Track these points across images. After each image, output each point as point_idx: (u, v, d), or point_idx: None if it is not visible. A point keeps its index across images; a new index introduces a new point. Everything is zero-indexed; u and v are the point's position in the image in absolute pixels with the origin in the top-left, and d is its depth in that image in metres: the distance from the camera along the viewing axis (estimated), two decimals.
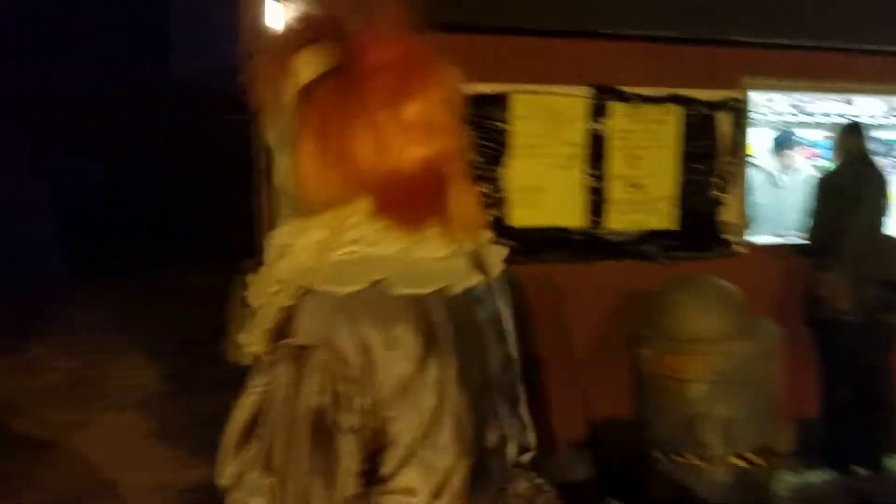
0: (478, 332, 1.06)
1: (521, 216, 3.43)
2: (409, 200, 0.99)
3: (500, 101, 3.35)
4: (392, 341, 0.94)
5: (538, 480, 1.14)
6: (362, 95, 0.97)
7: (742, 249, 3.78)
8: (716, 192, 3.69)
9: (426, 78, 1.02)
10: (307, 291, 0.95)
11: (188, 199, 11.38)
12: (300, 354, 0.92)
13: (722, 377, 3.02)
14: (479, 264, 1.07)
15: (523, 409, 1.14)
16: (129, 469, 3.74)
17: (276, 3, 4.75)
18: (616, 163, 3.52)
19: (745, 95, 3.73)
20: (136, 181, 11.19)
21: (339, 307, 0.94)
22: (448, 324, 0.98)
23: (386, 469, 0.95)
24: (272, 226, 5.37)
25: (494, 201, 3.38)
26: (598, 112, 3.48)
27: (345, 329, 0.93)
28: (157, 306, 7.50)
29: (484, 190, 3.34)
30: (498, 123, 3.35)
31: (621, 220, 3.54)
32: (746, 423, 3.07)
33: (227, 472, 0.93)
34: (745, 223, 3.80)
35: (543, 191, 3.43)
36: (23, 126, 8.11)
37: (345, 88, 0.98)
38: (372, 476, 0.95)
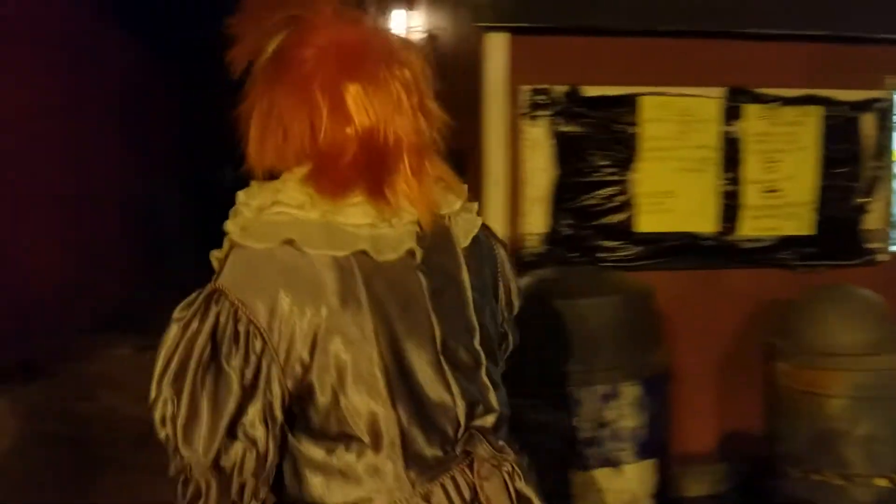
0: (408, 296, 1.12)
1: (650, 221, 3.36)
2: (334, 172, 1.09)
3: (628, 103, 3.30)
4: (298, 295, 1.05)
5: (500, 443, 1.19)
6: (303, 74, 1.08)
7: (886, 258, 3.57)
8: (858, 198, 3.50)
9: (368, 61, 1.10)
10: (234, 245, 1.09)
11: None
12: (215, 296, 1.07)
13: (865, 392, 2.88)
14: (442, 235, 1.18)
15: (485, 372, 1.20)
16: None
17: None
18: (751, 166, 3.40)
19: (891, 96, 3.53)
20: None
21: (254, 260, 1.07)
22: (360, 284, 1.07)
23: (313, 418, 1.10)
24: None
25: (620, 205, 3.33)
26: (732, 114, 3.37)
27: (255, 281, 1.06)
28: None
29: (610, 193, 3.30)
30: (626, 126, 3.30)
31: (756, 225, 3.41)
32: (892, 442, 2.91)
33: (151, 394, 1.07)
34: (889, 230, 3.60)
35: (673, 195, 3.35)
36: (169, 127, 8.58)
37: (288, 67, 1.09)
38: (305, 423, 1.11)
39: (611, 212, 3.32)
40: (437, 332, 1.14)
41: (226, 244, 1.11)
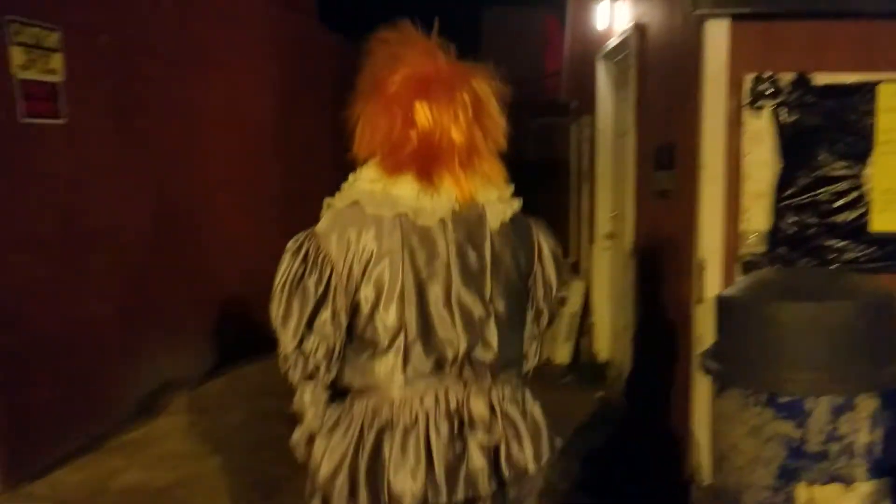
0: (434, 251, 1.56)
1: (885, 220, 3.06)
2: (396, 158, 1.57)
3: (864, 91, 3.02)
4: (360, 239, 1.54)
5: (496, 374, 1.61)
6: (388, 95, 1.56)
7: None
8: None
9: (435, 86, 1.57)
10: (329, 206, 1.63)
11: None
12: (309, 236, 1.60)
13: None
14: (475, 216, 1.61)
15: (494, 323, 1.60)
16: None
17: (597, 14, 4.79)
18: None
19: None
20: None
21: (336, 215, 1.60)
22: (399, 236, 1.53)
23: (358, 327, 1.57)
24: (591, 225, 5.39)
25: (852, 202, 3.06)
26: None
27: (334, 227, 1.57)
28: None
29: (840, 189, 3.04)
30: (861, 117, 3.02)
31: None
32: None
33: (271, 299, 1.60)
34: None
35: None
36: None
37: (380, 89, 1.58)
38: (350, 333, 1.59)
39: (841, 209, 3.06)
40: (453, 284, 1.56)
41: (325, 206, 1.64)
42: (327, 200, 1.65)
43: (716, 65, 3.00)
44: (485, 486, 1.58)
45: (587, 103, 5.51)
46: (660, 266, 3.79)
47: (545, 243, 1.77)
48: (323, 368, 1.60)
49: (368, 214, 1.55)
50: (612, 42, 4.69)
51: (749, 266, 2.94)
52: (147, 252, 4.50)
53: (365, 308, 1.55)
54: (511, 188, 1.71)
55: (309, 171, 7.25)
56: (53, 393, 3.76)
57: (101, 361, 4.12)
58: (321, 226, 1.60)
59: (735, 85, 3.00)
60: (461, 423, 1.58)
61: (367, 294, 1.54)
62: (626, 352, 4.37)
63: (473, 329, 1.58)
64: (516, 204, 1.70)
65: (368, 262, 1.54)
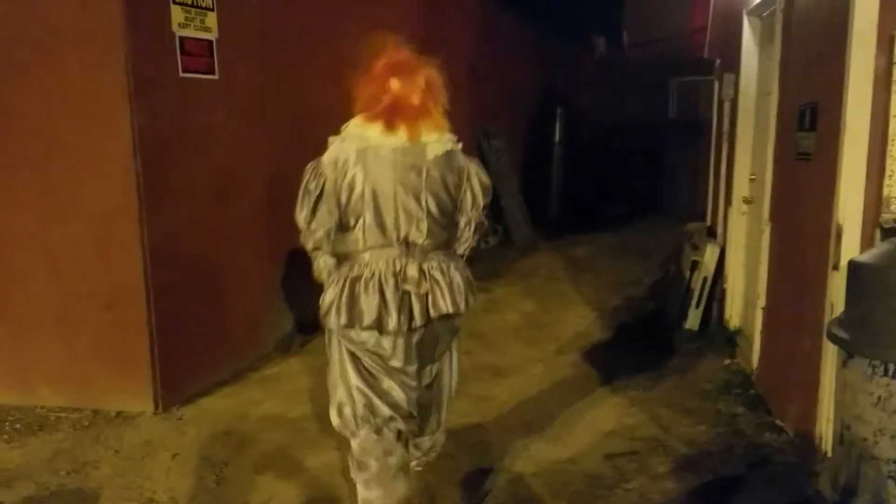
0: (387, 170, 2.51)
1: None
2: (373, 113, 2.52)
3: None
4: (348, 161, 2.50)
5: (425, 251, 2.57)
6: (373, 74, 2.55)
7: None
8: None
9: (404, 70, 2.56)
10: (330, 144, 2.56)
11: (641, 160, 11.64)
12: (316, 162, 2.56)
13: None
14: (418, 149, 2.54)
15: (427, 220, 2.55)
16: (571, 406, 4.05)
17: None
18: None
19: None
20: (588, 143, 11.74)
21: (336, 147, 2.53)
22: (369, 161, 2.50)
23: (347, 222, 2.54)
24: (729, 188, 5.21)
25: None
26: None
27: (331, 155, 2.53)
28: (605, 260, 7.89)
29: None
30: None
31: None
32: None
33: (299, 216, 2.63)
34: None
35: None
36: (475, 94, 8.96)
37: (369, 70, 2.55)
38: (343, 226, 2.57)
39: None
40: (398, 191, 2.52)
41: (329, 144, 2.57)
42: (330, 138, 2.60)
43: (864, 20, 2.82)
44: (417, 318, 2.55)
45: (731, 61, 5.28)
46: (796, 231, 3.64)
47: (472, 171, 2.72)
48: (324, 242, 2.62)
49: (350, 147, 2.53)
50: None
51: (889, 233, 2.78)
52: (288, 202, 4.76)
53: (346, 203, 2.54)
54: (449, 134, 2.64)
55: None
56: (203, 328, 4.10)
57: (245, 302, 4.44)
58: (325, 155, 2.58)
59: (884, 42, 2.82)
60: (404, 279, 2.55)
61: (345, 196, 2.54)
62: (758, 319, 4.24)
63: (410, 221, 2.56)
64: (451, 144, 2.63)
65: (345, 176, 2.52)
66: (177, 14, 3.72)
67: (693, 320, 5.37)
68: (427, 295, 2.56)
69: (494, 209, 8.78)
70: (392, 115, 2.52)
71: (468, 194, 2.70)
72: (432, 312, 2.56)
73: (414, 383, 2.68)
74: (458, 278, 2.63)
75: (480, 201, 2.72)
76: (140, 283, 3.68)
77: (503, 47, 9.12)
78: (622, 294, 6.49)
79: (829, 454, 3.08)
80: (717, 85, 5.91)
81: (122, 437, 3.57)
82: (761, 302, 4.19)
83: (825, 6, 3.25)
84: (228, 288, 4.30)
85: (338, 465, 3.37)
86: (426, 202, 2.55)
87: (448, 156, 2.60)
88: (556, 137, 10.57)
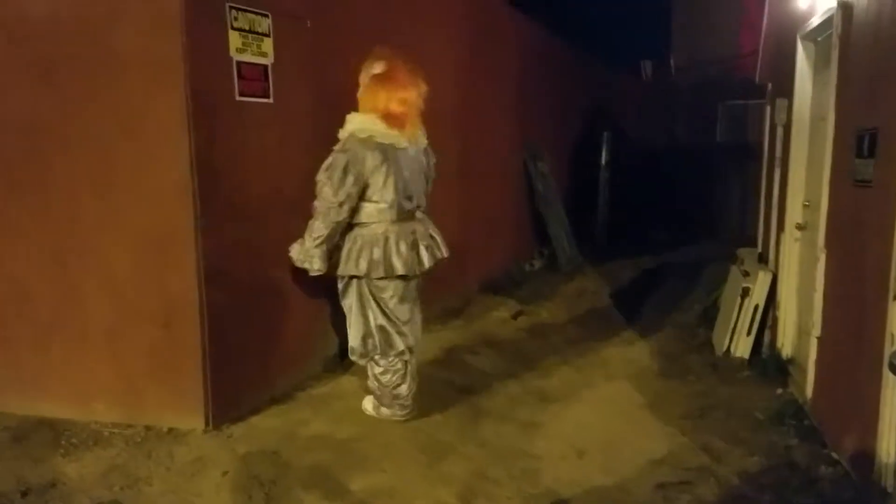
0: (401, 164, 3.85)
1: None
2: (392, 117, 3.81)
3: None
4: (369, 154, 3.75)
5: (422, 215, 4.06)
6: (383, 83, 3.83)
7: None
8: None
9: (415, 80, 3.90)
10: (350, 136, 3.80)
11: (689, 184, 11.52)
12: (353, 152, 3.77)
13: None
14: (416, 144, 3.98)
15: (419, 200, 3.99)
16: (620, 433, 4.01)
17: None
18: None
19: None
20: (635, 167, 11.66)
21: (356, 140, 3.78)
22: (391, 154, 3.81)
23: (367, 196, 3.82)
24: (781, 213, 5.13)
25: None
26: None
27: (358, 146, 3.76)
28: (653, 286, 7.80)
29: None
30: None
31: None
32: None
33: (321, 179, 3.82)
34: None
35: None
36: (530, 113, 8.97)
37: (378, 79, 3.85)
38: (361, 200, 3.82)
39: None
40: (408, 177, 3.89)
41: (342, 135, 3.85)
42: (341, 133, 3.84)
43: None
44: (423, 265, 3.96)
45: (784, 85, 5.22)
46: (854, 259, 3.56)
47: (432, 155, 4.15)
48: (346, 212, 3.77)
49: (372, 142, 3.74)
50: (815, 21, 4.42)
51: None
52: None
53: (371, 186, 3.77)
54: (423, 129, 4.03)
55: (486, 149, 7.41)
56: (254, 347, 4.15)
57: (295, 322, 4.49)
58: (347, 144, 3.77)
59: None
60: (415, 239, 3.93)
61: (374, 180, 3.76)
62: (812, 348, 4.15)
63: (419, 196, 3.98)
64: (426, 139, 4.07)
65: (375, 165, 3.73)
66: (235, 40, 3.81)
67: (743, 348, 5.28)
68: (429, 247, 3.99)
69: (540, 232, 8.78)
70: (406, 118, 3.85)
71: (432, 174, 4.17)
72: (432, 260, 4.00)
73: (417, 318, 4.14)
74: (436, 232, 4.10)
75: (433, 173, 4.19)
76: (194, 302, 3.75)
77: (551, 71, 9.15)
78: (670, 319, 6.41)
79: (889, 488, 2.99)
80: (769, 109, 5.84)
81: (174, 453, 3.62)
82: (816, 331, 4.10)
83: (887, 31, 3.20)
84: (280, 308, 4.36)
85: (384, 487, 3.38)
86: (425, 181, 4.07)
87: (427, 146, 4.09)
88: (603, 161, 10.53)
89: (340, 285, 4.03)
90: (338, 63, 4.79)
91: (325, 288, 4.49)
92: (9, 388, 4.10)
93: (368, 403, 4.17)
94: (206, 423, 3.84)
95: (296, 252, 3.93)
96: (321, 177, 3.78)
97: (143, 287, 3.86)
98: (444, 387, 4.57)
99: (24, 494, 3.27)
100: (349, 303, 4.02)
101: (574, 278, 8.17)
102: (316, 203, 3.84)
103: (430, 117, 6.16)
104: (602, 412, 4.34)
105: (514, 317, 6.39)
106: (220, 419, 3.88)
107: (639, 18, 14.22)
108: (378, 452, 3.71)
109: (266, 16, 4.01)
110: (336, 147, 3.83)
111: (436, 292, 6.20)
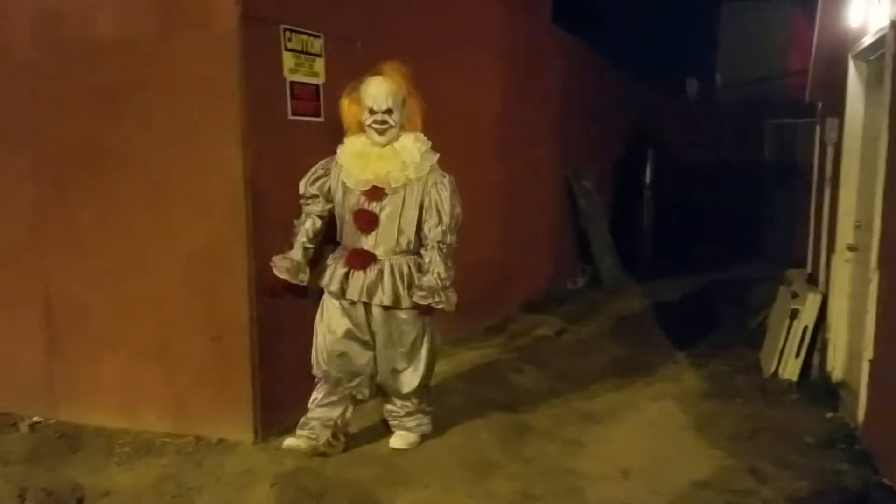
0: None
1: None
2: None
3: None
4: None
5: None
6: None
7: None
8: None
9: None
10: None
11: (735, 203, 11.40)
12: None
13: None
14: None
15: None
16: (665, 454, 3.97)
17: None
18: None
19: None
20: (680, 185, 11.57)
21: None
22: None
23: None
24: (832, 234, 5.06)
25: None
26: None
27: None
28: (698, 305, 7.72)
29: None
30: None
31: None
32: None
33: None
34: None
35: None
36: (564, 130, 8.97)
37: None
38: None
39: None
40: None
41: (432, 159, 3.77)
42: (429, 156, 3.76)
43: None
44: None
45: (835, 104, 5.16)
46: None
47: None
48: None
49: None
50: (867, 40, 4.36)
51: None
52: None
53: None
54: None
55: (531, 167, 7.43)
56: (303, 361, 4.20)
57: None
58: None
59: None
60: None
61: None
62: (864, 371, 4.07)
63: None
64: None
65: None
66: (288, 60, 3.91)
67: (792, 370, 5.19)
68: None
69: (583, 250, 8.75)
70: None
71: None
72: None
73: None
74: None
75: None
76: (245, 317, 3.83)
77: (594, 89, 9.15)
78: (716, 340, 6.33)
79: None
80: (819, 129, 5.77)
81: (224, 464, 3.69)
82: (868, 353, 4.02)
83: None
84: None
85: (429, 503, 3.40)
86: None
87: None
88: (647, 179, 10.48)
89: (410, 316, 3.75)
90: None
91: None
92: (66, 398, 4.23)
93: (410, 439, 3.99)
94: (255, 436, 3.91)
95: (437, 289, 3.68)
96: (457, 210, 3.78)
97: (195, 301, 3.96)
98: (487, 404, 4.58)
99: (80, 501, 3.37)
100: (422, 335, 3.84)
101: (618, 297, 8.13)
102: (450, 239, 3.75)
103: (473, 134, 6.27)
104: (647, 433, 4.30)
105: (558, 335, 6.38)
106: (269, 432, 3.95)
107: (684, 36, 14.15)
108: (422, 469, 3.73)
109: (318, 37, 4.10)
110: (444, 175, 3.80)
111: (478, 310, 6.24)
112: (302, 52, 3.99)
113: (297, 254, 3.79)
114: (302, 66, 3.99)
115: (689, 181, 11.96)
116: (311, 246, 3.83)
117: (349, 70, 4.41)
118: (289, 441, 3.76)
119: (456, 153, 5.90)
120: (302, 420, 3.83)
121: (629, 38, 11.92)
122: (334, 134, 4.34)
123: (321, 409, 3.82)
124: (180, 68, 3.82)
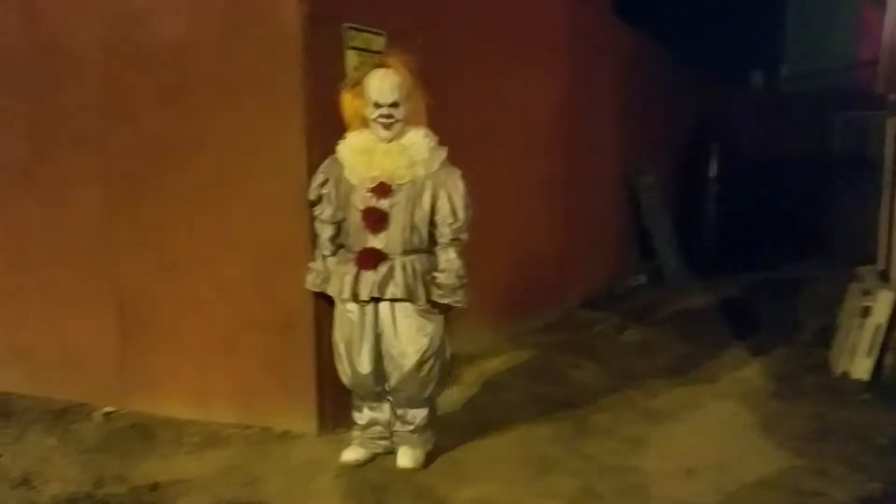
0: None
1: None
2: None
3: None
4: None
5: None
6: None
7: None
8: None
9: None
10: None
11: (803, 198, 11.10)
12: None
13: None
14: None
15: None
16: (731, 454, 3.89)
17: None
18: None
19: None
20: (745, 180, 11.31)
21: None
22: None
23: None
24: None
25: None
26: None
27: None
28: (765, 303, 7.55)
29: None
30: None
31: None
32: None
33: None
34: None
35: None
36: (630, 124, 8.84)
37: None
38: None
39: None
40: None
41: (440, 154, 3.58)
42: (438, 152, 3.58)
43: None
44: None
45: None
46: None
47: None
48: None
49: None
50: None
51: None
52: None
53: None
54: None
55: (592, 161, 7.36)
56: None
57: None
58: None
59: None
60: None
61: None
62: None
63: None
64: None
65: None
66: (352, 59, 3.95)
67: (863, 370, 5.04)
68: None
69: (645, 246, 8.63)
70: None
71: None
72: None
73: None
74: None
75: None
76: (309, 310, 3.89)
77: (655, 82, 9.01)
78: (783, 338, 6.17)
79: None
80: (891, 121, 5.57)
81: (289, 455, 3.77)
82: None
83: None
84: None
85: (490, 498, 3.41)
86: None
87: None
88: (711, 174, 10.27)
89: (425, 312, 3.58)
90: (444, 78, 4.88)
91: None
92: (138, 390, 4.37)
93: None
94: (319, 427, 3.98)
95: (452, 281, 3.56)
96: (469, 211, 3.57)
97: (259, 295, 4.05)
98: (545, 401, 4.56)
99: (153, 489, 3.48)
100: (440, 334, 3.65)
101: (681, 293, 7.99)
102: (463, 236, 3.59)
103: (534, 128, 6.25)
104: (711, 431, 4.23)
105: (619, 332, 6.31)
106: (332, 424, 4.01)
107: (749, 27, 13.81)
108: (482, 464, 3.74)
109: (381, 35, 4.14)
110: (454, 170, 3.61)
111: (537, 305, 6.22)
112: (364, 49, 4.03)
113: (320, 265, 3.70)
114: (365, 64, 4.03)
115: (755, 176, 11.67)
116: (332, 256, 3.69)
117: (408, 67, 4.45)
118: (347, 456, 3.70)
119: (515, 147, 5.93)
120: (354, 433, 3.77)
121: (692, 28, 11.66)
122: None
123: (367, 415, 3.75)
124: (245, 68, 3.91)
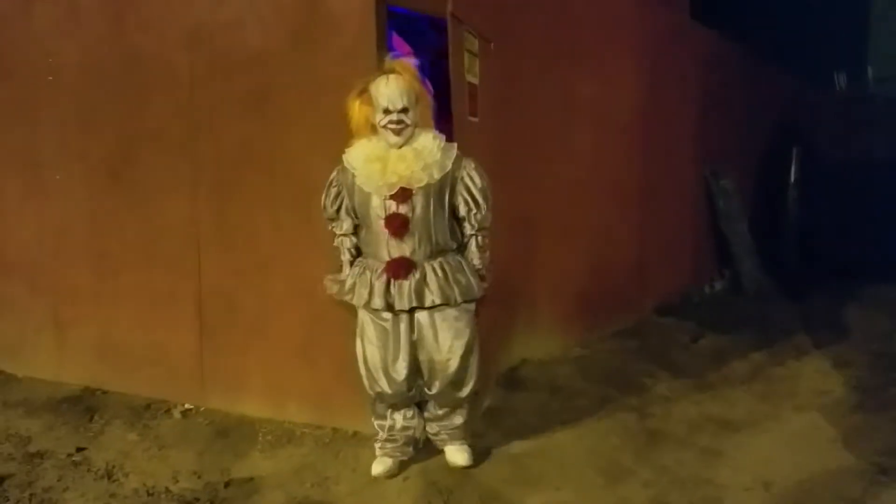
0: None
1: None
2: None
3: None
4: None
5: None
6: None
7: None
8: None
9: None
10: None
11: (892, 204, 10.64)
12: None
13: None
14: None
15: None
16: (811, 469, 3.76)
17: None
18: None
19: None
20: (828, 185, 10.93)
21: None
22: None
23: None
24: None
25: None
26: None
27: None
28: (848, 312, 7.27)
29: None
30: None
31: None
32: None
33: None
34: None
35: None
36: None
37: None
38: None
39: None
40: None
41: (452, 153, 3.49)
42: (450, 152, 3.49)
43: None
44: None
45: None
46: None
47: None
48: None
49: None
50: None
51: None
52: (513, 241, 4.88)
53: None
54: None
55: (669, 165, 7.23)
56: None
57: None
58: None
59: None
60: None
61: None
62: None
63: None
64: None
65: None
66: (467, 61, 4.02)
67: None
68: None
69: (721, 252, 8.42)
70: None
71: None
72: None
73: None
74: None
75: None
76: None
77: (734, 84, 8.78)
78: (870, 350, 5.92)
79: None
80: None
81: (359, 456, 3.82)
82: None
83: None
84: None
85: None
86: None
87: None
88: (792, 178, 9.95)
89: (465, 314, 3.58)
90: (519, 81, 4.89)
91: (499, 301, 4.58)
92: (215, 388, 4.51)
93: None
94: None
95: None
96: (489, 199, 3.56)
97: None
98: (617, 408, 4.50)
99: (227, 485, 3.58)
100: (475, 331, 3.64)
101: (759, 301, 7.76)
102: (488, 224, 3.61)
103: (610, 133, 6.17)
104: (791, 445, 4.09)
105: (694, 340, 6.17)
106: None
107: (833, 28, 13.34)
108: (553, 470, 3.71)
109: (477, 37, 4.18)
110: (469, 161, 3.55)
111: (611, 312, 6.14)
112: (470, 52, 4.07)
113: (344, 275, 3.66)
114: (472, 68, 4.08)
115: (839, 181, 11.24)
116: (355, 267, 3.66)
117: (488, 70, 4.46)
118: (377, 469, 3.65)
119: (591, 152, 5.87)
120: (378, 444, 3.71)
121: (773, 29, 11.35)
122: (485, 135, 4.35)
123: (398, 422, 3.70)
124: (323, 72, 3.99)
